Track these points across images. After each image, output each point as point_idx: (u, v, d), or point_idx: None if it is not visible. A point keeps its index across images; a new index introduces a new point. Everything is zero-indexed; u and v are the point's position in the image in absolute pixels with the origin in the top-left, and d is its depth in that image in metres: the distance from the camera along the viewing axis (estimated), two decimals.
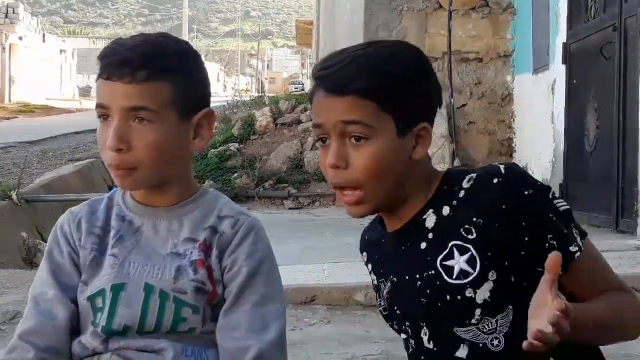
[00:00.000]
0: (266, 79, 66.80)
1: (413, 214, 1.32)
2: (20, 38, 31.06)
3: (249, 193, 8.75)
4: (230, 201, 1.49)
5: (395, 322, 1.39)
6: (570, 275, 1.26)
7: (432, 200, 1.31)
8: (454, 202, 1.28)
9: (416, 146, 1.29)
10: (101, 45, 51.79)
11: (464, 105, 8.67)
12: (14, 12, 31.53)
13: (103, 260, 1.41)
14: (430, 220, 1.30)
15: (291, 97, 14.65)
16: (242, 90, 40.68)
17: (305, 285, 4.28)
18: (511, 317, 1.25)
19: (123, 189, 1.42)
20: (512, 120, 8.64)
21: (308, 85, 43.19)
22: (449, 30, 8.49)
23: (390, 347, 3.20)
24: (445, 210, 1.29)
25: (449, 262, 1.27)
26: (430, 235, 1.30)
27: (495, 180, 1.25)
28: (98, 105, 1.38)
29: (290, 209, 8.43)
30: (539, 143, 7.47)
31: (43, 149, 12.64)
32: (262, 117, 10.57)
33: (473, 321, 1.25)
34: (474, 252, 1.24)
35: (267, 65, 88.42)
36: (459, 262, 1.26)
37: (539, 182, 1.28)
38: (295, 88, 46.96)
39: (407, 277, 1.33)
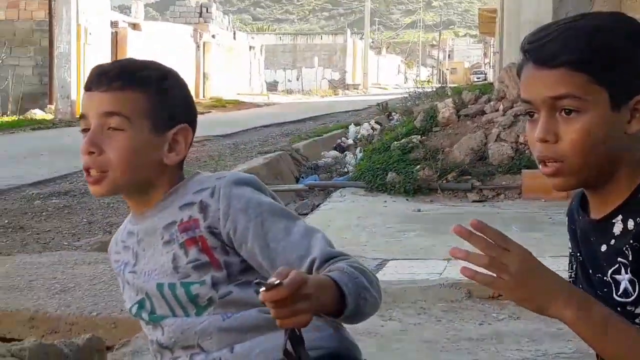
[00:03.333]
0: (447, 69, 66.07)
1: (608, 211, 1.26)
2: (213, 36, 32.80)
3: (431, 185, 8.72)
4: (204, 174, 1.54)
5: None
6: None
7: (624, 206, 1.25)
8: (638, 220, 1.21)
9: (631, 120, 1.23)
10: (287, 41, 53.59)
11: None
12: (207, 12, 33.37)
13: (125, 278, 1.55)
14: (617, 227, 1.24)
15: (474, 88, 14.42)
16: (424, 81, 40.58)
17: None
18: None
19: (94, 195, 1.50)
20: None
21: (491, 75, 42.27)
22: None
23: (585, 345, 3.10)
24: (630, 224, 1.22)
25: (618, 277, 1.24)
26: (612, 242, 1.25)
27: None
28: (80, 117, 1.48)
29: (473, 201, 8.31)
30: None
31: (235, 142, 13.32)
32: (445, 109, 10.49)
33: (637, 321, 1.23)
34: (630, 274, 1.21)
35: (449, 55, 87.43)
36: (625, 280, 1.23)
37: None
38: (477, 78, 46.13)
39: (589, 268, 1.32)
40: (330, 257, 1.36)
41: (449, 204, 8.10)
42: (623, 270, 1.22)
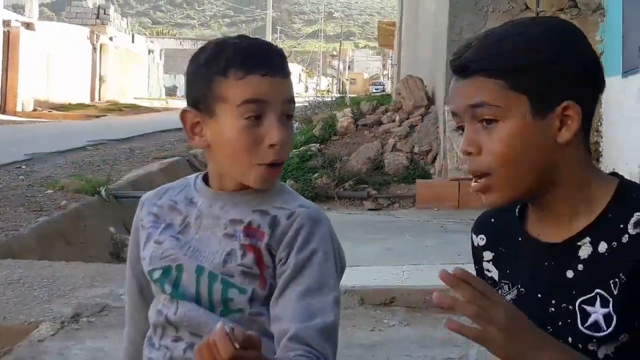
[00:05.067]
0: (347, 79, 66.93)
1: (570, 235, 1.18)
2: (111, 38, 32.05)
3: (329, 193, 8.80)
4: (295, 195, 1.47)
5: None
6: None
7: (592, 227, 1.17)
8: (614, 244, 1.14)
9: (561, 128, 1.16)
10: (188, 46, 52.91)
11: None
12: (105, 13, 32.60)
13: (159, 238, 1.46)
14: (585, 250, 1.16)
15: (372, 99, 14.65)
16: (324, 91, 40.91)
17: (384, 287, 4.29)
18: None
19: (269, 186, 1.41)
20: (599, 124, 8.42)
21: (389, 86, 43.14)
22: None
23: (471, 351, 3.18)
24: (602, 247, 1.15)
25: (588, 308, 1.14)
26: (580, 267, 1.16)
27: None
28: (253, 101, 1.35)
29: (369, 210, 8.43)
30: (627, 148, 7.26)
31: (131, 146, 13.03)
32: (344, 118, 10.61)
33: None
34: (611, 310, 1.12)
35: (349, 66, 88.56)
36: (597, 313, 1.14)
37: None
38: (375, 89, 46.90)
39: (539, 295, 1.21)
40: (303, 342, 1.29)
41: (345, 212, 8.19)
42: (599, 303, 1.14)
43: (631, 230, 1.13)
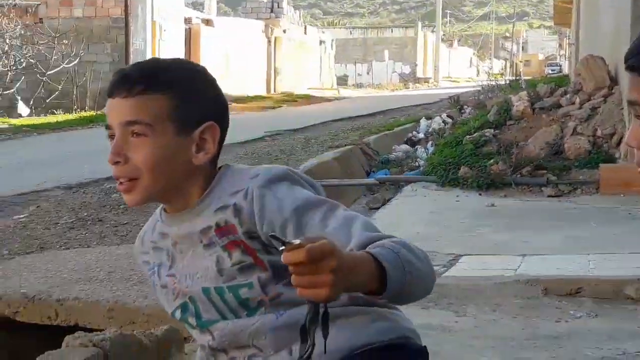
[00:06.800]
0: (521, 61, 64.86)
1: None
2: (284, 31, 33.01)
3: (505, 180, 8.56)
4: (237, 169, 1.46)
5: None
6: None
7: None
8: None
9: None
10: (358, 35, 53.50)
11: None
12: (278, 7, 33.60)
13: (161, 282, 1.51)
14: None
15: (550, 81, 14.12)
16: (496, 74, 39.86)
17: (569, 277, 4.13)
18: None
19: (128, 204, 1.46)
20: None
21: (566, 67, 41.31)
22: None
23: None
24: None
25: None
26: None
27: None
28: (106, 127, 1.43)
29: (549, 196, 8.12)
30: None
31: (306, 136, 13.37)
32: (519, 102, 10.29)
33: None
34: None
35: (522, 47, 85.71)
36: None
37: None
38: (552, 70, 45.08)
39: None
40: (370, 242, 1.26)
41: (523, 199, 7.95)
42: None
43: None
